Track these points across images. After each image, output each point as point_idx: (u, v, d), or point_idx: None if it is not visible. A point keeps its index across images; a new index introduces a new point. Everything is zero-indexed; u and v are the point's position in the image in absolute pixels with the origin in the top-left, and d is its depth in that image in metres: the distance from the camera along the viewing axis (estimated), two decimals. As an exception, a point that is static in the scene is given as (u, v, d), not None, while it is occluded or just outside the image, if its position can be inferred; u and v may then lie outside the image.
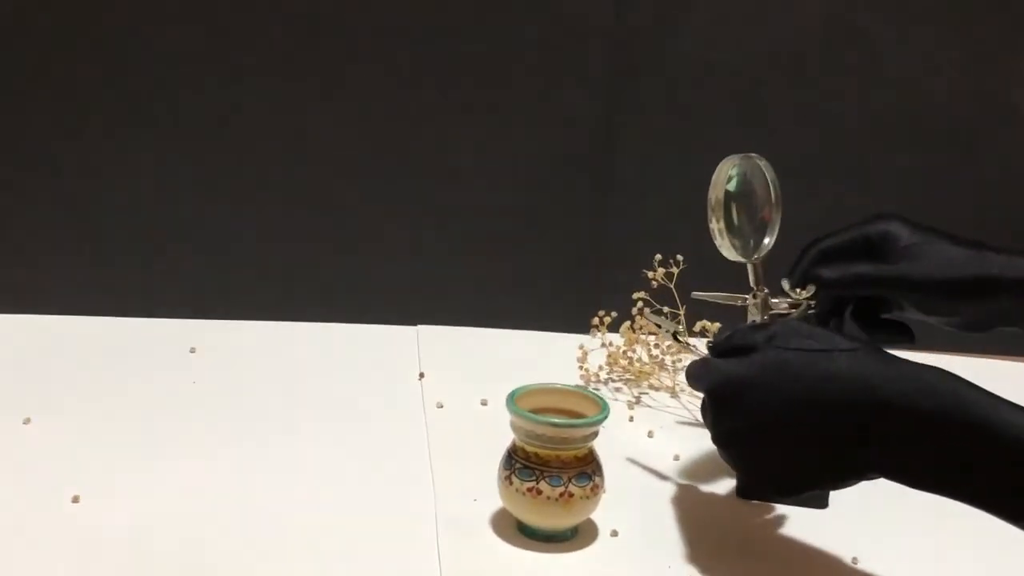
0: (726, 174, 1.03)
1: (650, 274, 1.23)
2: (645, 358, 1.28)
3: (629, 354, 1.28)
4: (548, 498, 0.95)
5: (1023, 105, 1.49)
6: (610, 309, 1.29)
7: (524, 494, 0.96)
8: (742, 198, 1.04)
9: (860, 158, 1.48)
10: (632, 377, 1.28)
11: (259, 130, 1.43)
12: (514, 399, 0.98)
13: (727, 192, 1.03)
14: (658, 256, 1.23)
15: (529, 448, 0.96)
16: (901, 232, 1.07)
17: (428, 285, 1.46)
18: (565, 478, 0.96)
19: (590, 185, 1.47)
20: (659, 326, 1.15)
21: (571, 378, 1.27)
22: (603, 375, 1.28)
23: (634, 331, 1.28)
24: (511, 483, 0.97)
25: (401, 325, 1.39)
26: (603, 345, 1.29)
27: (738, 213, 1.04)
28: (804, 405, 0.89)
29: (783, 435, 0.90)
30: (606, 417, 0.97)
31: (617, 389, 1.28)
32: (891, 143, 1.48)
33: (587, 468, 0.97)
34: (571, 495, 0.96)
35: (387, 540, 0.97)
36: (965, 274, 1.05)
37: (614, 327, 1.29)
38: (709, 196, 1.03)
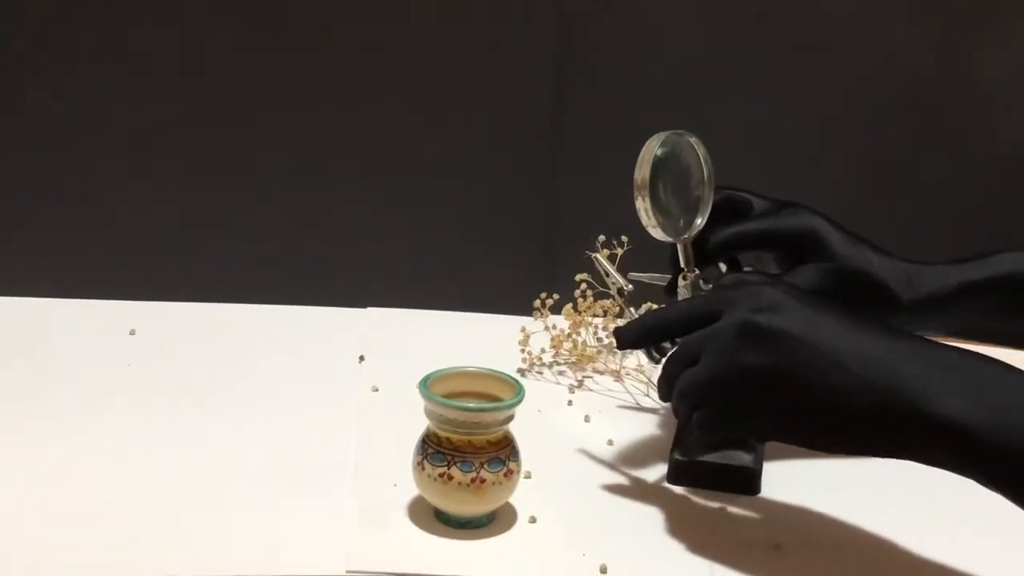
0: (652, 152, 1.01)
1: (594, 255, 1.21)
2: (591, 341, 1.26)
3: (574, 337, 1.26)
4: (459, 484, 0.93)
5: (989, 85, 1.45)
6: (565, 290, 1.27)
7: (436, 480, 0.94)
8: (669, 176, 1.01)
9: (818, 141, 1.44)
10: (575, 360, 1.26)
11: (204, 112, 1.41)
12: (427, 383, 0.96)
13: (653, 170, 1.00)
14: (602, 237, 1.20)
15: (442, 433, 0.95)
16: (829, 235, 1.05)
17: (382, 267, 1.44)
18: (477, 463, 0.93)
19: (540, 166, 1.45)
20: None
21: (515, 361, 1.25)
22: (546, 358, 1.26)
23: (578, 312, 1.25)
24: (424, 469, 0.95)
25: (352, 307, 1.37)
26: (546, 328, 1.26)
27: (665, 192, 1.01)
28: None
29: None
30: (520, 401, 0.95)
31: (560, 372, 1.25)
32: (850, 125, 1.44)
33: (501, 453, 0.95)
34: (483, 480, 0.94)
35: (297, 523, 0.95)
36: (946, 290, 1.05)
37: (558, 309, 1.27)
38: (635, 175, 1.00)
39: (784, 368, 0.85)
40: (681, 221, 1.03)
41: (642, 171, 1.01)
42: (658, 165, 1.01)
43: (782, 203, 1.08)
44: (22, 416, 1.09)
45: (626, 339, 0.99)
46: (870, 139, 1.46)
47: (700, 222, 1.04)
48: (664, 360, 0.95)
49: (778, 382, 0.86)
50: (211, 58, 1.40)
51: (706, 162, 1.03)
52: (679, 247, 1.04)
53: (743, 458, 1.04)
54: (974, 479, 0.82)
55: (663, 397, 0.95)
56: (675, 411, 0.93)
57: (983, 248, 1.09)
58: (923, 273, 1.06)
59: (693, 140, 1.03)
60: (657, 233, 1.02)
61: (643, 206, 1.01)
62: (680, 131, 1.03)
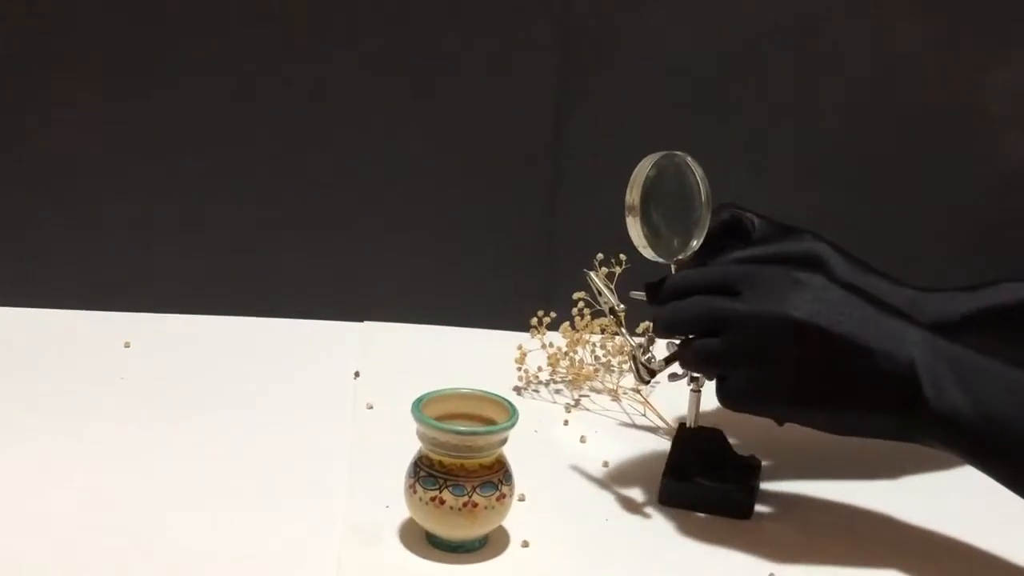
0: (644, 173, 0.99)
1: (588, 273, 1.20)
2: (588, 359, 1.25)
3: (571, 355, 1.25)
4: (451, 508, 0.92)
5: (995, 105, 1.44)
6: (563, 308, 1.26)
7: (428, 503, 0.93)
8: (662, 198, 1.00)
9: (822, 158, 1.43)
10: (572, 378, 1.25)
11: (199, 120, 1.40)
12: (420, 405, 0.95)
13: (644, 192, 0.99)
14: (600, 256, 1.19)
15: (434, 456, 0.94)
16: (833, 261, 1.04)
17: (379, 281, 1.43)
18: (469, 487, 0.93)
19: (540, 182, 1.43)
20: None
21: (511, 379, 1.24)
22: (543, 376, 1.25)
23: (575, 330, 1.24)
24: (415, 492, 0.94)
25: (349, 321, 1.37)
26: (543, 346, 1.25)
27: (657, 213, 1.00)
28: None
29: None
30: (512, 425, 0.94)
31: (557, 391, 1.25)
32: (852, 146, 1.43)
33: (494, 477, 0.94)
34: (475, 505, 0.93)
35: (288, 542, 0.95)
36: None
37: (556, 326, 1.26)
38: (626, 196, 0.99)
39: (817, 362, 0.91)
40: (675, 242, 1.02)
41: (632, 193, 0.99)
42: (649, 186, 0.99)
43: (785, 227, 1.07)
44: (14, 428, 1.08)
45: (660, 297, 1.00)
46: (872, 160, 1.44)
47: (695, 243, 1.02)
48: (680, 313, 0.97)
49: (808, 372, 0.92)
50: (206, 68, 1.38)
51: (703, 183, 1.02)
52: (673, 268, 1.03)
53: (736, 481, 1.03)
54: (972, 466, 0.90)
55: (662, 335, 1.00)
56: (685, 363, 0.99)
57: (988, 272, 1.09)
58: (928, 300, 1.05)
59: (689, 160, 1.02)
60: (648, 254, 1.01)
61: (634, 227, 1.00)
62: (676, 152, 1.02)
